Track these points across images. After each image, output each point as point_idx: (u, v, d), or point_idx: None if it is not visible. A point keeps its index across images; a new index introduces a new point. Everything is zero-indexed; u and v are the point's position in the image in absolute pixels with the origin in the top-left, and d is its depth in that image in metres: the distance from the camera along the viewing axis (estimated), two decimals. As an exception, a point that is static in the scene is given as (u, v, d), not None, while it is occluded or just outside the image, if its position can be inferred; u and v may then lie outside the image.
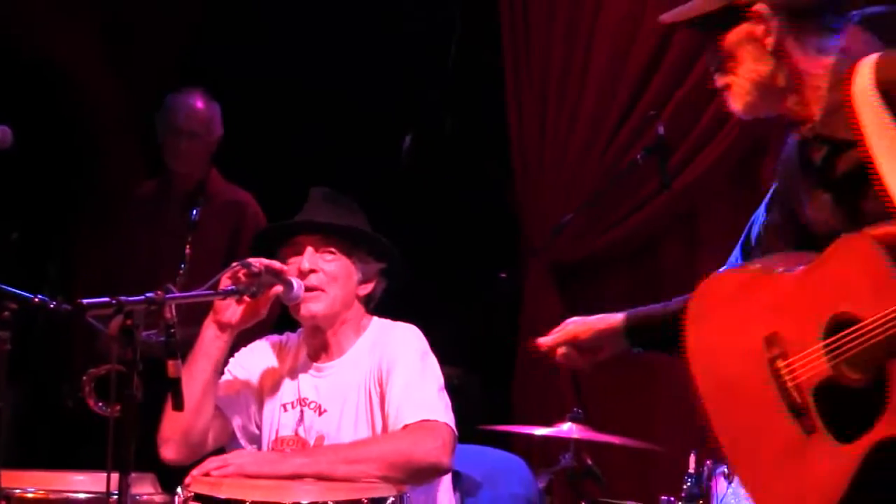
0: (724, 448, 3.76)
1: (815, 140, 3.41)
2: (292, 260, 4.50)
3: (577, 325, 4.33)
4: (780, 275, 3.47)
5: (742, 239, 4.23)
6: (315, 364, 4.70)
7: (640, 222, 7.15)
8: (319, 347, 4.69)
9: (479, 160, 7.59)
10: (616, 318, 4.28)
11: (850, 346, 3.14)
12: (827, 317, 3.20)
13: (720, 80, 3.56)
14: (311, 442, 4.70)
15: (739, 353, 3.47)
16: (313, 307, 4.53)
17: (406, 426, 4.48)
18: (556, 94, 7.39)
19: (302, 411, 4.68)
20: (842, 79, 3.40)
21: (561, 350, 4.28)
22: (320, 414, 4.64)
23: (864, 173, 3.25)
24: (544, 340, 4.32)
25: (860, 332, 3.12)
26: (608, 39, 7.32)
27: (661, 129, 6.77)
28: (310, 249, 4.54)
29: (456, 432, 4.57)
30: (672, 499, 5.71)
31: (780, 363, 3.34)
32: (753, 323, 3.45)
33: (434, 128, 7.50)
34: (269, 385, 4.73)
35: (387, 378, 4.62)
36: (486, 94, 7.66)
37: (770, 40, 3.37)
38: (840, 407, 3.19)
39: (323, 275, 4.55)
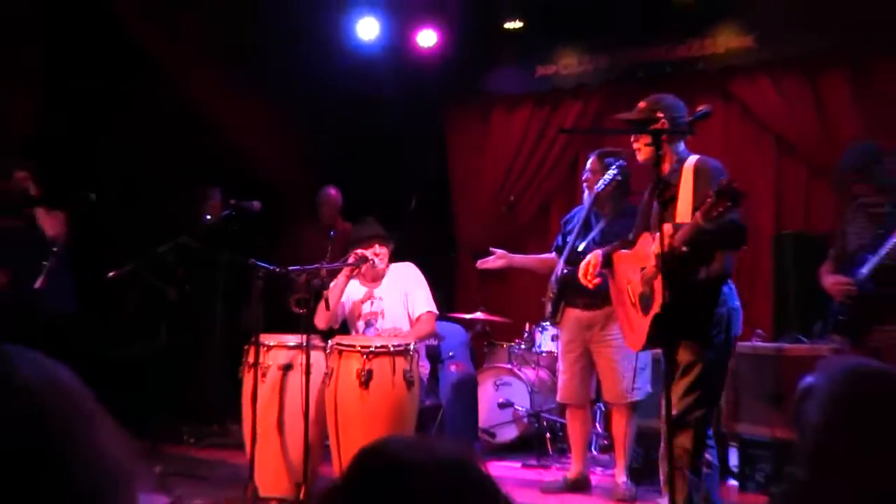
0: (618, 314, 3.83)
1: (662, 181, 3.36)
2: (368, 248, 4.60)
3: (504, 257, 4.83)
4: (631, 251, 3.65)
5: (563, 226, 4.75)
6: (369, 284, 4.74)
7: (514, 229, 6.91)
8: (373, 278, 4.72)
9: (441, 204, 7.45)
10: (516, 257, 4.89)
11: (644, 278, 3.41)
12: (641, 267, 3.45)
13: (637, 146, 3.57)
14: (378, 311, 4.71)
15: (623, 282, 3.67)
16: (382, 268, 4.69)
17: (419, 316, 4.65)
18: (473, 171, 7.26)
19: (372, 301, 4.70)
20: (681, 160, 3.49)
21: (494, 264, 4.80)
22: (381, 300, 4.69)
23: (673, 201, 3.36)
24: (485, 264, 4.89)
25: (644, 273, 3.40)
26: (498, 148, 7.09)
27: (511, 196, 6.83)
28: (377, 245, 4.64)
29: (437, 312, 4.77)
30: (518, 340, 5.94)
31: (628, 287, 3.59)
32: (627, 270, 3.62)
33: (426, 195, 7.22)
34: (355, 295, 4.75)
35: (409, 288, 4.71)
36: (442, 176, 7.47)
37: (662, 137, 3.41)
38: (649, 303, 3.40)
39: (383, 256, 4.69)
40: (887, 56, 5.50)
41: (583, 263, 3.78)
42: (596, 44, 6.54)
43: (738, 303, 3.45)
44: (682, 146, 3.56)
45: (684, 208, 3.31)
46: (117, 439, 0.61)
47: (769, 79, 5.97)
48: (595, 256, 3.74)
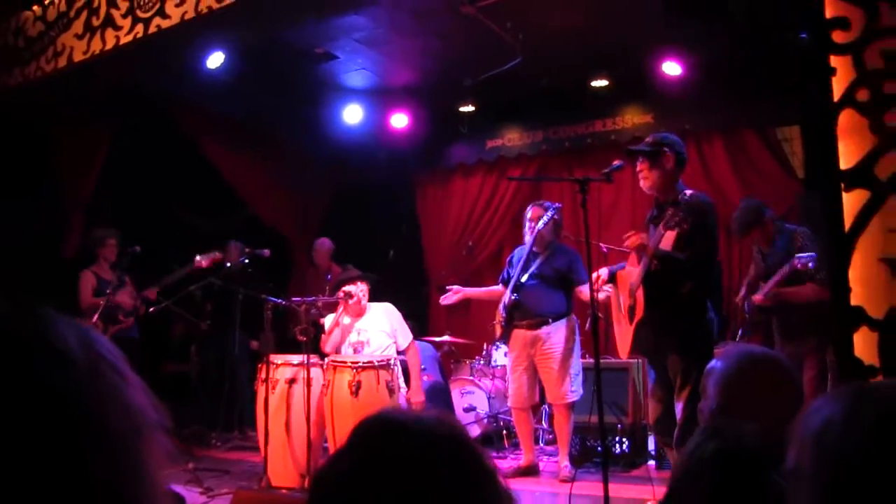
0: (614, 326, 3.41)
1: (660, 204, 3.25)
2: (353, 285, 4.43)
3: (459, 291, 4.64)
4: (625, 270, 3.37)
5: (508, 264, 4.56)
6: (354, 318, 4.49)
7: (474, 268, 6.79)
8: (356, 312, 4.48)
9: (414, 250, 7.29)
10: (469, 291, 4.70)
11: (630, 290, 3.18)
12: (630, 285, 3.23)
13: (643, 172, 3.25)
14: (364, 340, 4.49)
15: (619, 297, 3.40)
16: (365, 304, 4.48)
17: (407, 347, 4.45)
18: (438, 224, 7.10)
19: (358, 331, 4.48)
20: (678, 191, 3.20)
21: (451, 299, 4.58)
22: (366, 331, 4.46)
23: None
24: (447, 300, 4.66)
25: (630, 286, 3.17)
26: (458, 205, 6.98)
27: (470, 241, 6.71)
28: (359, 283, 4.46)
29: (413, 338, 4.56)
30: (478, 357, 5.81)
31: (619, 300, 3.37)
32: (622, 286, 3.37)
33: (401, 244, 7.38)
34: (345, 326, 4.51)
35: (394, 324, 4.49)
36: (414, 228, 7.34)
37: (667, 167, 3.23)
38: (634, 311, 3.19)
39: (364, 291, 4.48)
40: (754, 131, 5.70)
41: (594, 275, 3.47)
42: (533, 122, 6.56)
43: (713, 314, 3.28)
44: (679, 174, 3.31)
45: (671, 234, 3.12)
46: (143, 393, 0.59)
47: (666, 148, 6.12)
48: (601, 273, 3.44)
